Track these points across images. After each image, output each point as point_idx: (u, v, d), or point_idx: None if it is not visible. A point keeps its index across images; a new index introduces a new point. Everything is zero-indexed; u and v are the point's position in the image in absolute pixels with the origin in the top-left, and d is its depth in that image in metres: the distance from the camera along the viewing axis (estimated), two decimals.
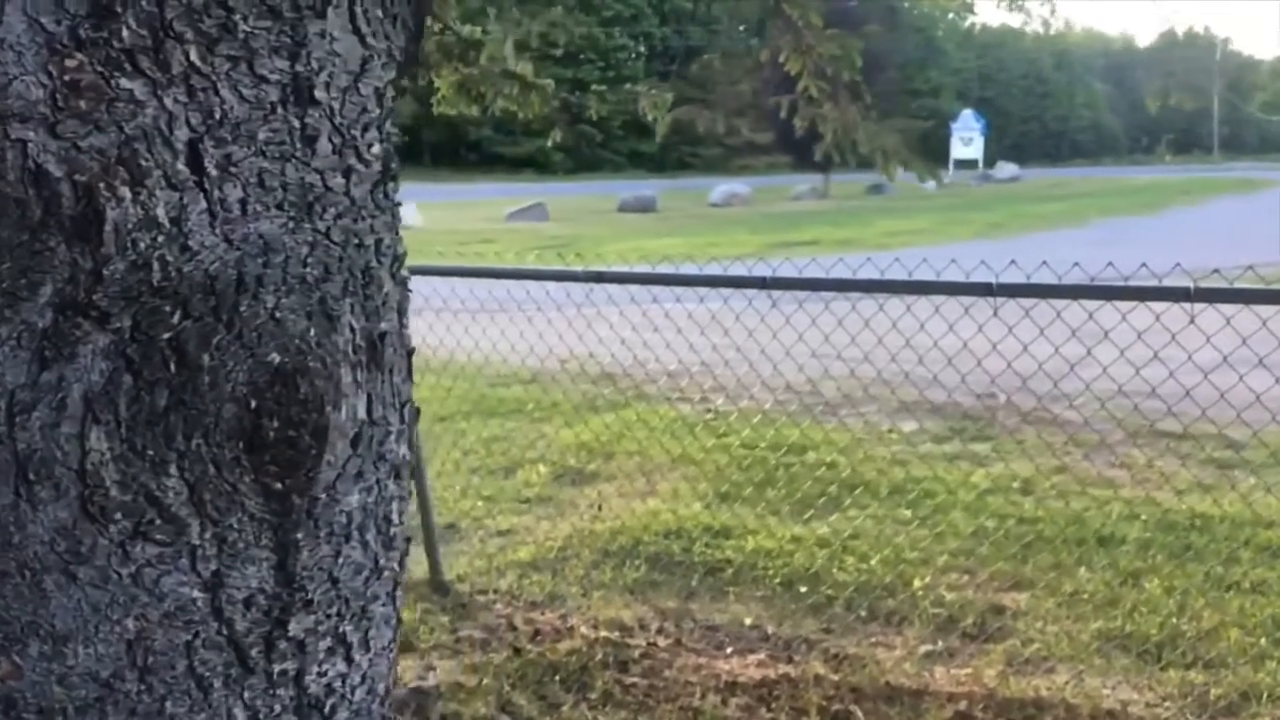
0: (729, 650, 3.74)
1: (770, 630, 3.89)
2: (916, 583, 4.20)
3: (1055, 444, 5.99)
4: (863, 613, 4.00)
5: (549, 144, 6.22)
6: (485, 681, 3.48)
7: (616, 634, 3.84)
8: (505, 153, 54.11)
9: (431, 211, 28.20)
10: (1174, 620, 3.77)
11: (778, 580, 4.29)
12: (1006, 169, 50.54)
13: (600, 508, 5.05)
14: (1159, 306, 2.89)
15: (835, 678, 3.51)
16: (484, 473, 5.73)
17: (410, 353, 1.14)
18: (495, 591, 4.23)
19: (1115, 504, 4.95)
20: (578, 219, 27.97)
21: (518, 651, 3.69)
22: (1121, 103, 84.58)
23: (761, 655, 3.70)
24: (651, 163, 60.47)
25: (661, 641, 3.80)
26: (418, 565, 4.37)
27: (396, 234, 1.13)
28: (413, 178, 51.19)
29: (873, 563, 4.39)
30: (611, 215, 29.60)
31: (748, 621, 3.95)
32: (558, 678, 3.52)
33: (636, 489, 5.42)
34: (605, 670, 3.57)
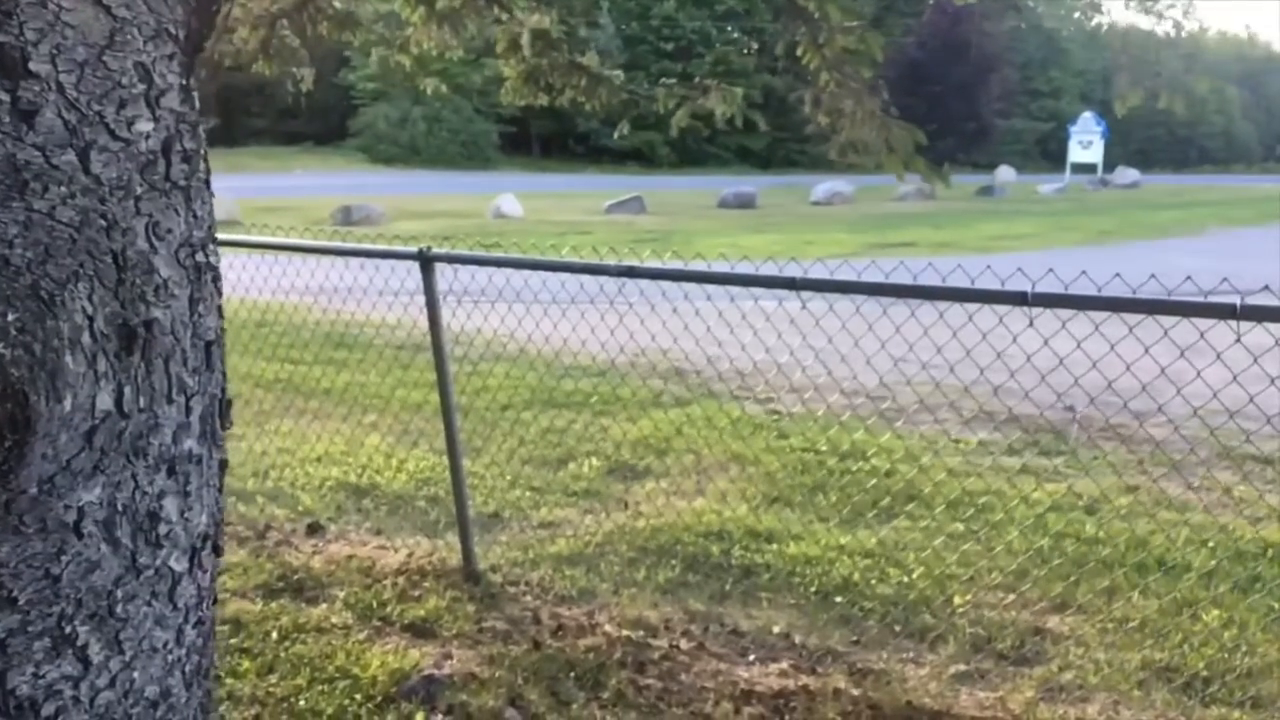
0: (751, 658, 3.66)
1: (797, 639, 3.79)
2: (958, 600, 4.05)
3: (1132, 462, 5.74)
4: (897, 627, 3.88)
5: (615, 136, 6.17)
6: (499, 674, 3.46)
7: (640, 634, 3.79)
8: (611, 145, 54.25)
9: (532, 202, 28.47)
10: (1226, 655, 3.57)
11: (813, 588, 4.19)
12: (1126, 174, 48.84)
13: (627, 506, 5.00)
14: (1205, 323, 2.72)
15: (855, 693, 3.40)
16: (537, 463, 5.73)
17: (210, 343, 1.09)
18: (526, 584, 4.22)
19: (1184, 529, 4.72)
20: (675, 213, 27.90)
21: (537, 645, 3.67)
22: (1256, 109, 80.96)
23: (784, 665, 3.61)
24: (758, 159, 60.09)
25: (684, 644, 3.73)
26: (452, 553, 4.39)
27: (194, 217, 1.08)
28: (519, 168, 51.89)
29: (915, 576, 4.25)
30: (710, 210, 29.45)
31: (776, 629, 3.86)
32: (573, 675, 3.49)
33: (686, 487, 5.36)
34: (622, 670, 3.52)
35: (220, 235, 4.07)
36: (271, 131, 50.97)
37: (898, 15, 52.74)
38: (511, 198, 26.72)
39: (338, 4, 5.44)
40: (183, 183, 1.08)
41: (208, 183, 1.13)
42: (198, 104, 1.12)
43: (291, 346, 8.41)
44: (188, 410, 1.07)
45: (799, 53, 3.37)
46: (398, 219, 24.28)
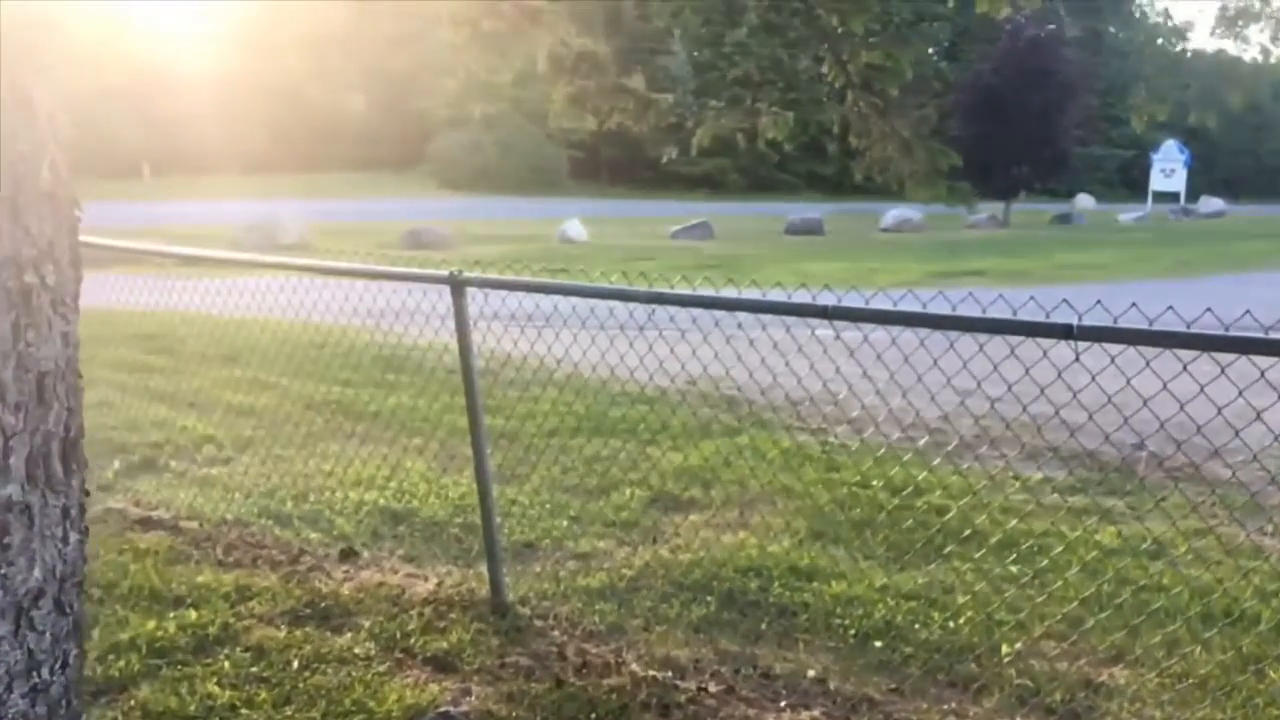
0: (782, 704, 3.49)
1: (833, 685, 3.61)
2: (1005, 648, 3.84)
3: (1201, 504, 5.44)
4: (939, 676, 3.68)
5: (663, 160, 6.06)
6: (517, 713, 3.35)
7: (668, 674, 3.65)
8: (681, 171, 54.27)
9: (599, 226, 28.60)
10: None
11: (853, 631, 4.00)
12: (1211, 204, 47.68)
13: (655, 540, 4.85)
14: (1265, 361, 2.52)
15: None
16: (579, 492, 5.62)
17: (44, 374, 0.97)
18: (555, 617, 4.10)
19: (1254, 577, 4.43)
20: (741, 240, 27.78)
21: (560, 683, 3.55)
22: None
23: (816, 712, 3.44)
24: (827, 185, 59.73)
25: (713, 687, 3.58)
26: (482, 584, 4.29)
27: (25, 233, 0.96)
28: (588, 194, 52.22)
29: (961, 621, 4.05)
30: (776, 237, 29.27)
31: (811, 673, 3.69)
32: (594, 715, 3.36)
33: (729, 520, 5.20)
34: (645, 713, 3.39)
35: (245, 256, 3.99)
36: (348, 157, 51.98)
37: (972, 40, 52.13)
38: (577, 223, 26.85)
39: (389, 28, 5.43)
40: (7, 192, 0.96)
41: (53, 195, 1.01)
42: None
43: (345, 369, 8.46)
44: (6, 452, 0.95)
45: (824, 70, 3.24)
46: (464, 243, 24.52)
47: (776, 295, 3.19)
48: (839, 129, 3.40)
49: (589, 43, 5.35)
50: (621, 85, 5.50)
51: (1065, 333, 2.69)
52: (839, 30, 3.00)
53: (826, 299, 3.10)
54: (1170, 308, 2.62)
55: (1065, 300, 2.74)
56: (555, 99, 5.62)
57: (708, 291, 3.32)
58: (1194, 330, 2.53)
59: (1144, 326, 2.61)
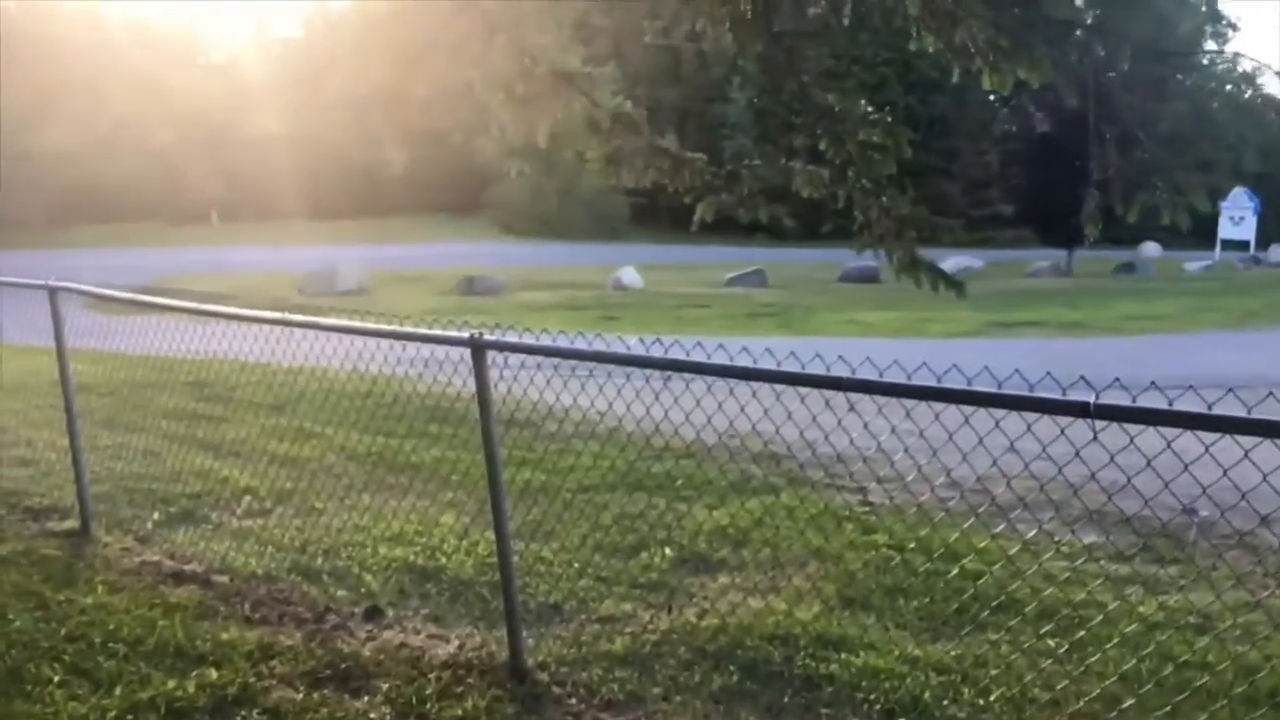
0: None
1: None
2: None
3: (1256, 575, 5.24)
4: None
5: (695, 220, 6.04)
6: None
7: None
8: (740, 217, 54.29)
9: (655, 273, 28.70)
10: None
11: (879, 706, 3.89)
12: None
13: (670, 611, 4.76)
14: None
15: None
16: (608, 551, 5.57)
17: None
18: (574, 684, 4.04)
19: None
20: (796, 287, 27.70)
21: None
22: None
23: None
24: None
25: None
26: (503, 648, 4.25)
27: None
28: (648, 240, 52.52)
29: (992, 698, 3.92)
30: (831, 285, 29.14)
31: None
32: None
33: (758, 583, 5.11)
34: None
35: (268, 314, 4.03)
36: (411, 202, 52.92)
37: (1028, 87, 51.76)
38: (632, 270, 26.98)
39: (422, 91, 5.53)
40: None
41: None
42: None
43: (390, 419, 8.50)
44: None
45: (822, 148, 3.21)
46: (519, 289, 24.74)
47: (790, 364, 3.15)
48: (841, 204, 3.39)
49: (622, 104, 5.39)
50: (656, 145, 5.53)
51: (1082, 411, 2.61)
52: (835, 109, 2.98)
53: (841, 370, 3.04)
54: (1191, 387, 2.52)
55: (1082, 379, 2.65)
56: (591, 158, 5.67)
57: (723, 359, 3.28)
58: (1216, 412, 2.43)
59: (1163, 407, 2.52)
